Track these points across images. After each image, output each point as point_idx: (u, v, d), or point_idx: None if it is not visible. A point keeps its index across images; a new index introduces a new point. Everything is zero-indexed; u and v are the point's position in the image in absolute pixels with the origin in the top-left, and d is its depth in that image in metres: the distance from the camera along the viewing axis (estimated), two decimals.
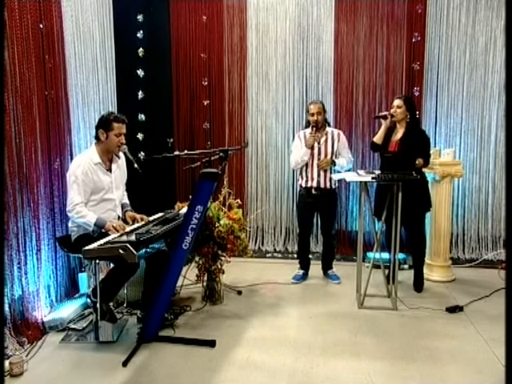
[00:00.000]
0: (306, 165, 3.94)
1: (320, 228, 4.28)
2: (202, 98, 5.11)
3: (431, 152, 3.83)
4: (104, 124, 3.04)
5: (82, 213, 2.93)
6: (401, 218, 3.38)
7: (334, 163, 3.90)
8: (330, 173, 3.92)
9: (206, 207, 2.80)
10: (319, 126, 3.88)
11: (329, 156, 3.90)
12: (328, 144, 3.91)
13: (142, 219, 3.16)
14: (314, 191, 3.93)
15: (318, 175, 3.91)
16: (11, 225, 2.86)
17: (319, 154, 3.91)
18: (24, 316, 2.97)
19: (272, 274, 4.24)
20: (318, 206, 4.00)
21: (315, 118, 3.85)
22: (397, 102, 3.72)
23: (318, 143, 3.90)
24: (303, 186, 3.99)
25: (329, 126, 4.03)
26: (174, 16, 5.04)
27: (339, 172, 3.92)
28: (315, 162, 3.90)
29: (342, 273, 4.17)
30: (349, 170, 3.97)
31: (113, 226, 2.88)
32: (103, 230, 2.92)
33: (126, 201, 3.36)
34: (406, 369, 2.61)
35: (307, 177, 3.95)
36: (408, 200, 3.44)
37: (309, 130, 3.92)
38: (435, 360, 2.71)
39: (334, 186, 3.97)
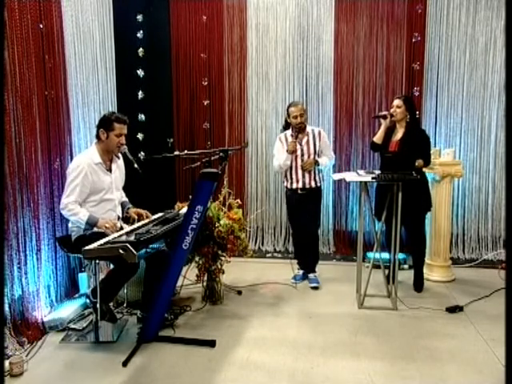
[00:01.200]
0: (291, 167, 3.90)
1: (304, 225, 4.16)
2: (202, 98, 5.11)
3: (431, 152, 3.82)
4: (105, 124, 3.04)
5: (74, 210, 2.92)
6: (401, 218, 3.38)
7: (317, 163, 3.87)
8: (314, 173, 3.89)
9: (205, 207, 2.80)
10: (303, 127, 3.83)
11: (312, 156, 3.86)
12: (310, 144, 3.87)
13: (146, 215, 3.18)
14: (299, 191, 3.90)
15: (303, 176, 3.88)
16: (11, 225, 2.86)
17: (302, 155, 3.87)
18: (24, 316, 2.97)
19: (272, 274, 4.24)
20: (304, 202, 3.96)
21: (298, 120, 3.77)
22: (396, 101, 3.72)
23: (300, 144, 3.87)
24: (289, 187, 3.97)
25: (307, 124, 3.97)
26: (174, 16, 5.04)
27: (321, 171, 3.95)
28: (299, 163, 3.86)
29: (342, 273, 4.17)
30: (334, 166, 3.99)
31: (105, 226, 2.89)
32: (95, 229, 2.93)
33: (125, 199, 3.37)
34: (406, 369, 2.61)
35: (292, 179, 3.92)
36: (408, 200, 3.44)
37: (289, 132, 3.88)
38: (435, 360, 2.71)
39: (319, 184, 3.94)
